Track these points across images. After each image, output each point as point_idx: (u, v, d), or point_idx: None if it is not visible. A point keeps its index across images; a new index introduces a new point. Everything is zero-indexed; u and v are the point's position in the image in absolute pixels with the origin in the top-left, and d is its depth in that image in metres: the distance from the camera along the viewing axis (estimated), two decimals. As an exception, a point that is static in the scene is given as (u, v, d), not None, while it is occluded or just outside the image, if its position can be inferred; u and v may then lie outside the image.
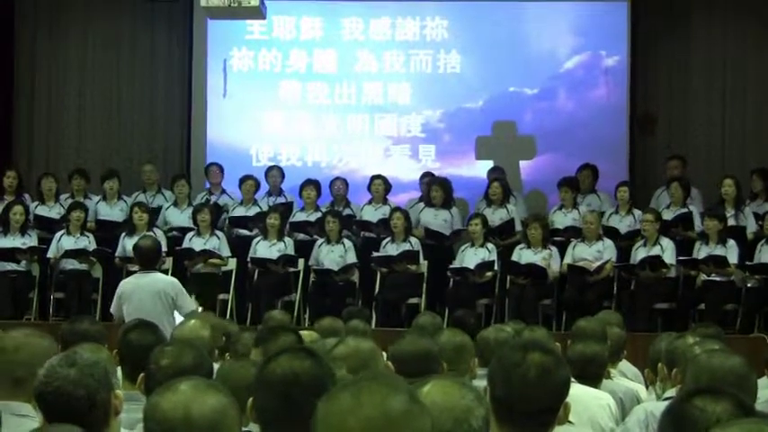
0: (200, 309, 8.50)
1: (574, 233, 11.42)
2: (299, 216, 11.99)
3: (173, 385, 2.54)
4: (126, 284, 8.15)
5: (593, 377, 5.13)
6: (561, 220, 11.72)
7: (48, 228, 11.78)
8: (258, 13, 10.23)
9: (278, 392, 2.83)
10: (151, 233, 11.25)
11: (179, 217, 12.00)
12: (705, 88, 13.11)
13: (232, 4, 9.99)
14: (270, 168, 12.57)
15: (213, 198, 12.36)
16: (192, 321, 5.43)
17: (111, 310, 8.21)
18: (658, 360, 4.84)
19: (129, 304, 7.93)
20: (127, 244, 11.30)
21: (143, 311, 7.59)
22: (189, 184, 12.34)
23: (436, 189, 11.77)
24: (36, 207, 11.98)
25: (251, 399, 2.87)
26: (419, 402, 2.01)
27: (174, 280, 8.17)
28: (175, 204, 12.17)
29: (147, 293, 7.89)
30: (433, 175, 12.39)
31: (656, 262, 10.64)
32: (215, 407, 2.49)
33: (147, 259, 8.21)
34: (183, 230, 11.62)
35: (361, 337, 4.39)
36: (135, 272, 10.15)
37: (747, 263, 10.63)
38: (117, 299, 8.09)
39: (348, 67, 13.29)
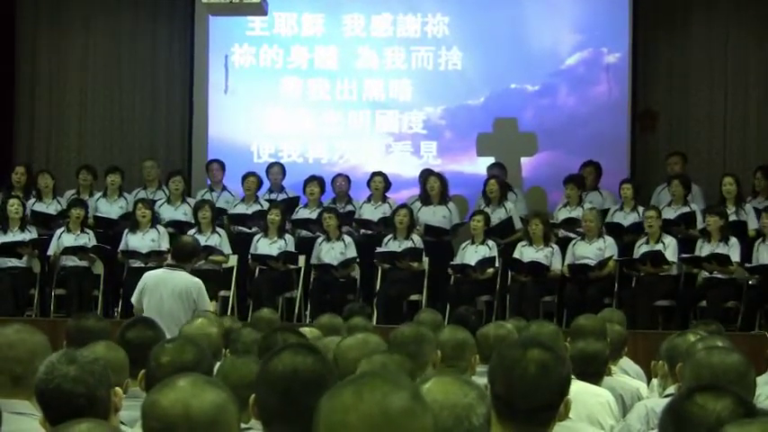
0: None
1: (573, 224, 11.42)
2: (301, 213, 11.99)
3: (171, 382, 2.53)
4: (149, 278, 8.07)
5: (594, 375, 5.14)
6: (566, 217, 11.70)
7: (44, 224, 11.75)
8: (259, 9, 10.24)
9: (279, 389, 2.83)
10: (153, 229, 11.29)
11: (172, 213, 11.96)
12: (706, 85, 13.10)
13: (233, 1, 9.99)
14: (271, 165, 12.56)
15: (214, 195, 12.35)
16: (201, 319, 5.42)
17: (132, 300, 8.17)
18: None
19: (150, 298, 7.89)
20: (130, 240, 11.31)
21: (163, 308, 7.62)
22: (185, 181, 12.34)
23: (433, 181, 11.77)
24: (33, 204, 11.95)
25: (253, 395, 2.87)
26: (421, 400, 2.01)
27: (198, 281, 8.08)
28: (169, 201, 12.15)
29: (170, 291, 7.85)
30: (431, 171, 12.38)
31: (657, 257, 10.64)
32: (215, 402, 2.48)
33: (182, 255, 8.11)
34: (179, 226, 11.59)
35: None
36: (139, 268, 10.24)
37: (747, 264, 10.62)
38: (139, 290, 8.02)
39: (349, 64, 13.29)
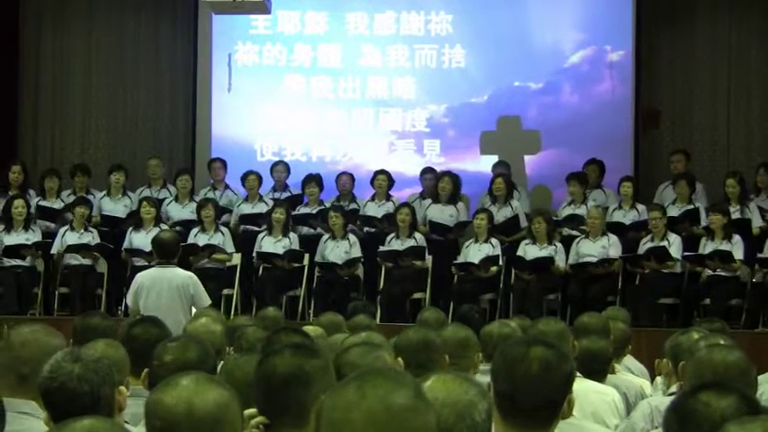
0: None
1: (578, 222, 11.42)
2: (302, 212, 11.98)
3: (174, 380, 2.53)
4: (144, 278, 8.04)
5: (598, 372, 5.13)
6: (569, 213, 11.68)
7: (50, 218, 11.77)
8: (263, 7, 10.22)
9: (273, 389, 2.86)
10: (157, 227, 11.29)
11: (180, 212, 11.98)
12: (710, 82, 13.10)
13: (236, -1, 9.97)
14: (275, 163, 12.56)
15: (217, 193, 12.35)
16: (205, 317, 5.41)
17: (128, 301, 8.15)
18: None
19: (146, 298, 7.87)
20: (134, 238, 11.32)
21: (161, 306, 7.59)
22: (192, 180, 12.35)
23: (446, 181, 11.75)
24: (39, 200, 11.97)
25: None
26: (424, 397, 2.01)
27: (192, 275, 8.08)
28: (176, 199, 12.15)
29: (166, 288, 7.83)
30: (434, 170, 12.36)
31: (662, 253, 10.63)
32: (218, 400, 2.49)
33: (167, 252, 8.09)
34: (187, 225, 11.60)
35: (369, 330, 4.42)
36: (143, 266, 10.23)
37: (759, 255, 10.61)
38: (134, 292, 7.98)
39: (352, 62, 13.28)
